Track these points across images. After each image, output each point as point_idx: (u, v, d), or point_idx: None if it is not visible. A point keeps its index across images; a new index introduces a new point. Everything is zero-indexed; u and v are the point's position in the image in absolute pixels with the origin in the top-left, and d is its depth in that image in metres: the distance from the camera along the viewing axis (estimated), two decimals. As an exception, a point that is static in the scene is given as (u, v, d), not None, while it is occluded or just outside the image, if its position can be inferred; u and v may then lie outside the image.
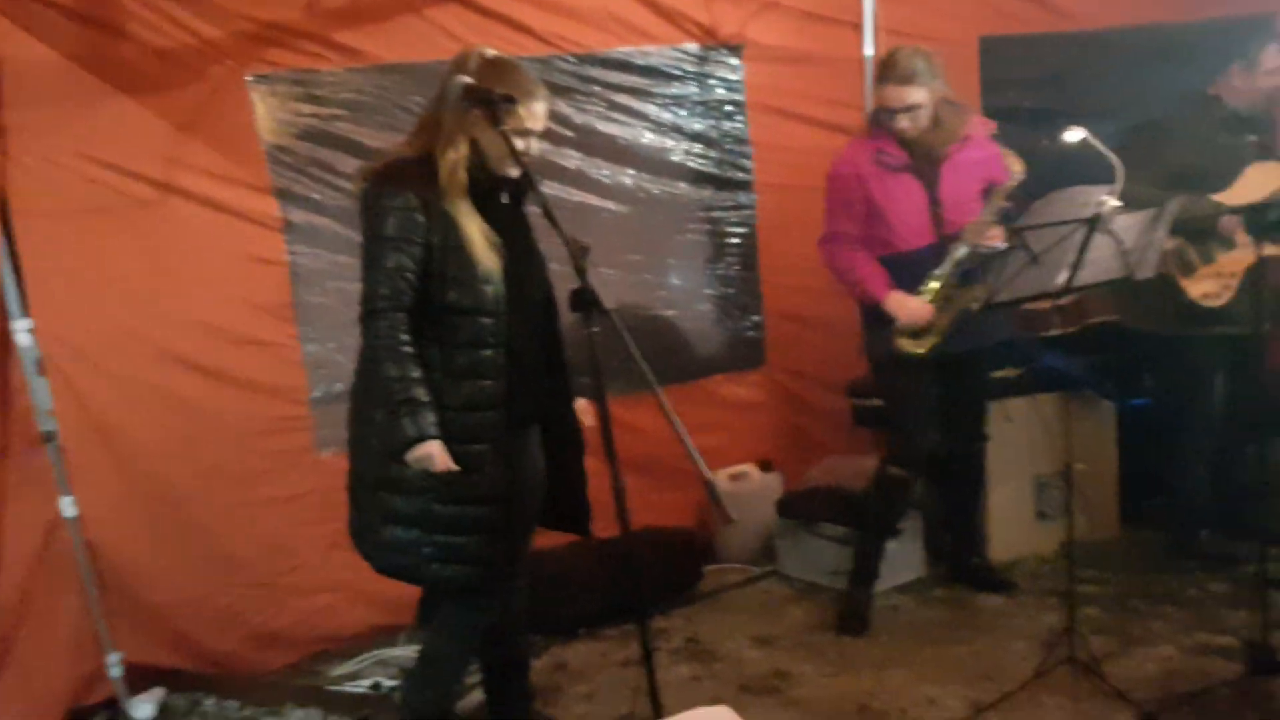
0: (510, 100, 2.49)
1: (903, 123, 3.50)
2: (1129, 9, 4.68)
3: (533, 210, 2.69)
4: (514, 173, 2.62)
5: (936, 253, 3.56)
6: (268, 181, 3.66)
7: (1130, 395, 4.35)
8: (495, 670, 3.09)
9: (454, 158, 2.54)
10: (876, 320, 3.64)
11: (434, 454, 2.48)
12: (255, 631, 3.69)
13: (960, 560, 4.06)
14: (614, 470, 2.32)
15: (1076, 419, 3.91)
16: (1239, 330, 3.76)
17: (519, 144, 2.56)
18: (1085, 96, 4.87)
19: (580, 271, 2.31)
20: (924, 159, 3.57)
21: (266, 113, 3.65)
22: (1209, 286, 3.79)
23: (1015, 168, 3.53)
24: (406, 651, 3.69)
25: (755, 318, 4.63)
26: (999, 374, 4.12)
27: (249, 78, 3.59)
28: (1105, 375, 4.25)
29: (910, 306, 3.54)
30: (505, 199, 2.70)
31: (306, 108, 3.70)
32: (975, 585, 3.97)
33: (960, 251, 3.53)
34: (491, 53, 2.62)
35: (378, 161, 2.65)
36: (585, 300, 2.30)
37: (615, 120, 4.21)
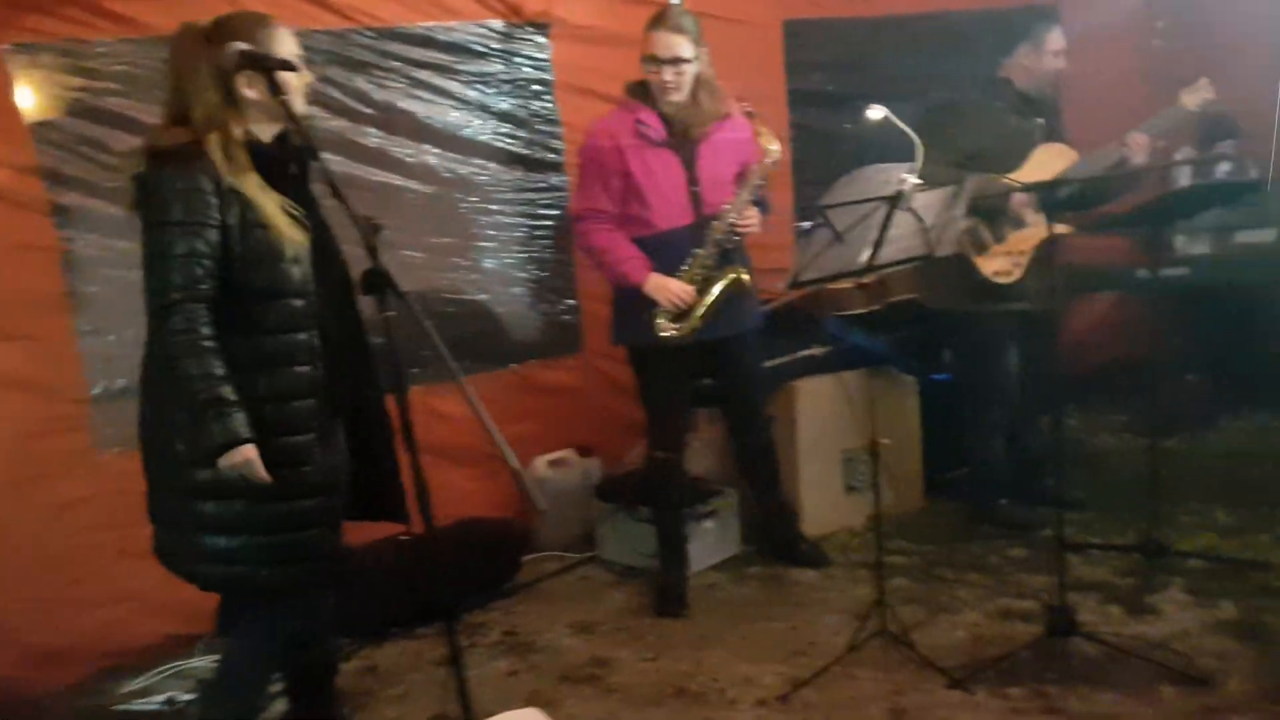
0: (289, 66, 2.34)
1: (667, 75, 3.46)
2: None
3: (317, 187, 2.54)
4: (288, 126, 2.44)
5: (695, 233, 3.54)
6: (33, 161, 3.37)
7: (931, 370, 4.50)
8: (300, 678, 2.92)
9: (229, 136, 2.37)
10: (631, 304, 3.59)
11: (251, 459, 2.32)
12: (32, 650, 3.38)
13: (772, 537, 4.10)
14: (415, 463, 2.21)
15: (881, 395, 4.00)
16: (1029, 306, 3.93)
17: (297, 82, 2.43)
18: (885, 80, 5.00)
19: (371, 251, 2.18)
20: (682, 136, 3.55)
21: (29, 86, 3.35)
22: (1000, 264, 3.93)
23: (773, 146, 3.54)
24: (204, 663, 3.47)
25: (570, 301, 4.56)
26: (805, 352, 4.19)
27: (7, 47, 3.29)
28: (907, 352, 4.38)
29: (672, 289, 3.51)
30: (294, 170, 2.54)
31: (75, 81, 3.42)
32: (789, 561, 4.01)
33: (719, 232, 3.52)
34: (205, 21, 2.45)
35: (155, 140, 2.44)
36: (378, 281, 2.17)
37: (417, 97, 4.06)
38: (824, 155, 4.86)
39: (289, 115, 2.33)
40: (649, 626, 3.63)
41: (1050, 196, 3.50)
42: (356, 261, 2.36)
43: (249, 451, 2.31)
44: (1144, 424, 4.17)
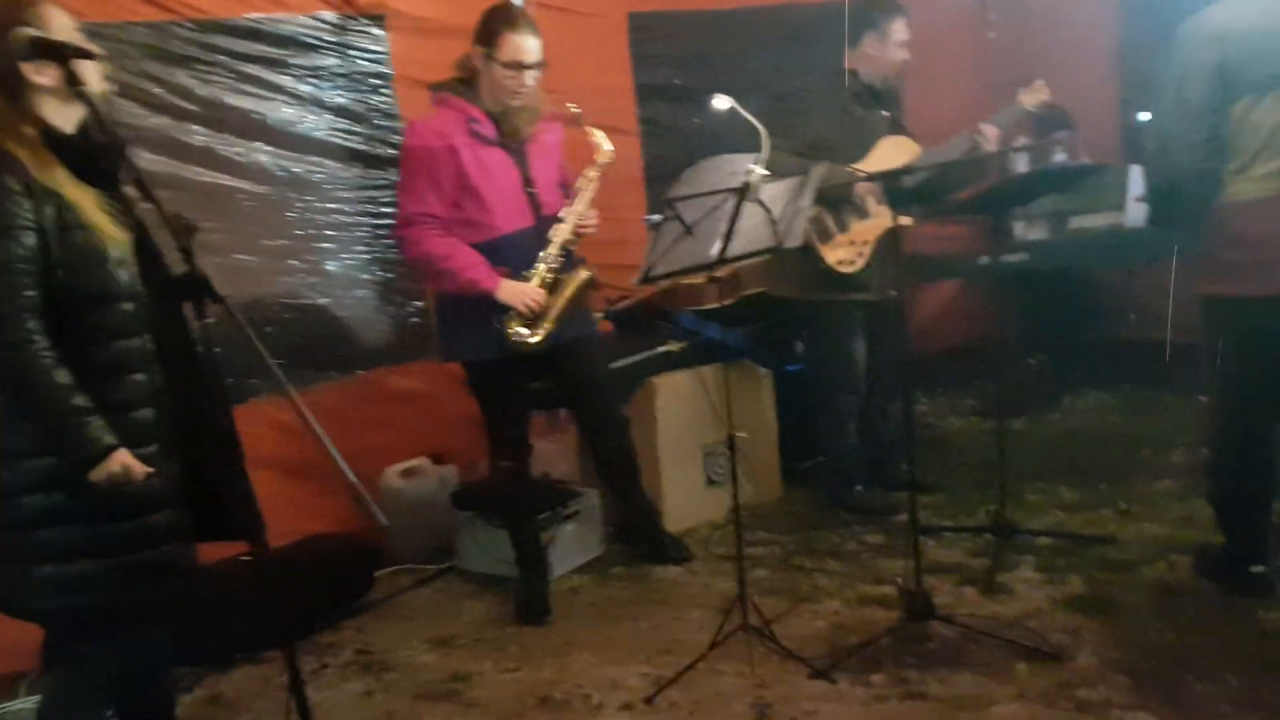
0: (86, 54, 2.16)
1: (528, 80, 3.37)
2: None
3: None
4: (89, 118, 2.27)
5: (535, 236, 3.44)
6: None
7: (785, 362, 4.53)
8: (135, 714, 2.73)
9: (23, 134, 2.18)
10: (470, 315, 3.44)
11: (127, 463, 2.18)
12: None
13: (635, 535, 4.05)
14: (243, 478, 2.07)
15: (737, 388, 3.99)
16: (872, 296, 3.98)
17: (93, 69, 2.24)
18: (733, 73, 5.00)
19: (186, 253, 2.02)
20: (512, 136, 3.46)
21: None
22: (844, 254, 3.97)
23: (605, 146, 3.50)
24: (27, 705, 3.21)
25: (418, 303, 4.40)
26: (661, 349, 4.15)
27: None
28: (761, 344, 4.40)
29: (526, 292, 3.39)
30: (105, 165, 2.35)
31: None
32: (653, 558, 3.97)
33: (563, 233, 3.45)
34: None
35: None
36: (195, 286, 2.02)
37: (246, 93, 3.86)
38: (674, 149, 4.84)
39: (91, 106, 2.15)
40: (511, 636, 3.53)
41: (895, 187, 3.54)
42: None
43: (123, 456, 2.18)
44: (990, 406, 4.28)
